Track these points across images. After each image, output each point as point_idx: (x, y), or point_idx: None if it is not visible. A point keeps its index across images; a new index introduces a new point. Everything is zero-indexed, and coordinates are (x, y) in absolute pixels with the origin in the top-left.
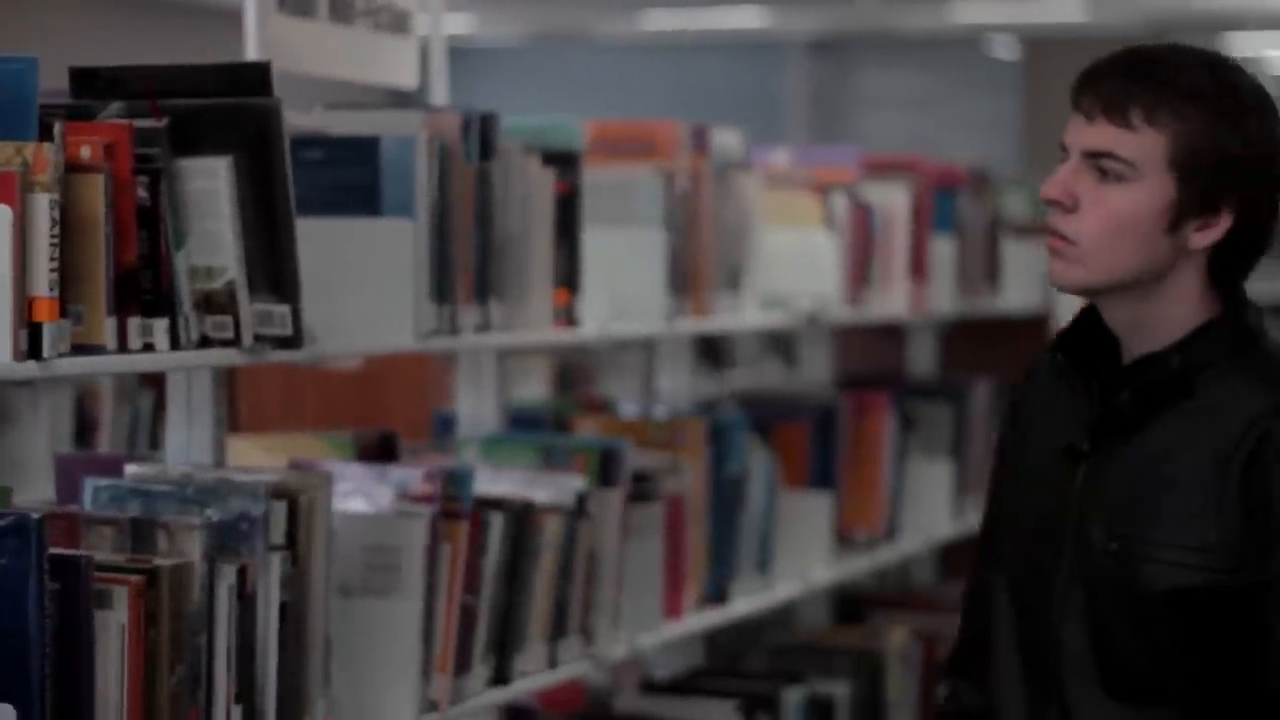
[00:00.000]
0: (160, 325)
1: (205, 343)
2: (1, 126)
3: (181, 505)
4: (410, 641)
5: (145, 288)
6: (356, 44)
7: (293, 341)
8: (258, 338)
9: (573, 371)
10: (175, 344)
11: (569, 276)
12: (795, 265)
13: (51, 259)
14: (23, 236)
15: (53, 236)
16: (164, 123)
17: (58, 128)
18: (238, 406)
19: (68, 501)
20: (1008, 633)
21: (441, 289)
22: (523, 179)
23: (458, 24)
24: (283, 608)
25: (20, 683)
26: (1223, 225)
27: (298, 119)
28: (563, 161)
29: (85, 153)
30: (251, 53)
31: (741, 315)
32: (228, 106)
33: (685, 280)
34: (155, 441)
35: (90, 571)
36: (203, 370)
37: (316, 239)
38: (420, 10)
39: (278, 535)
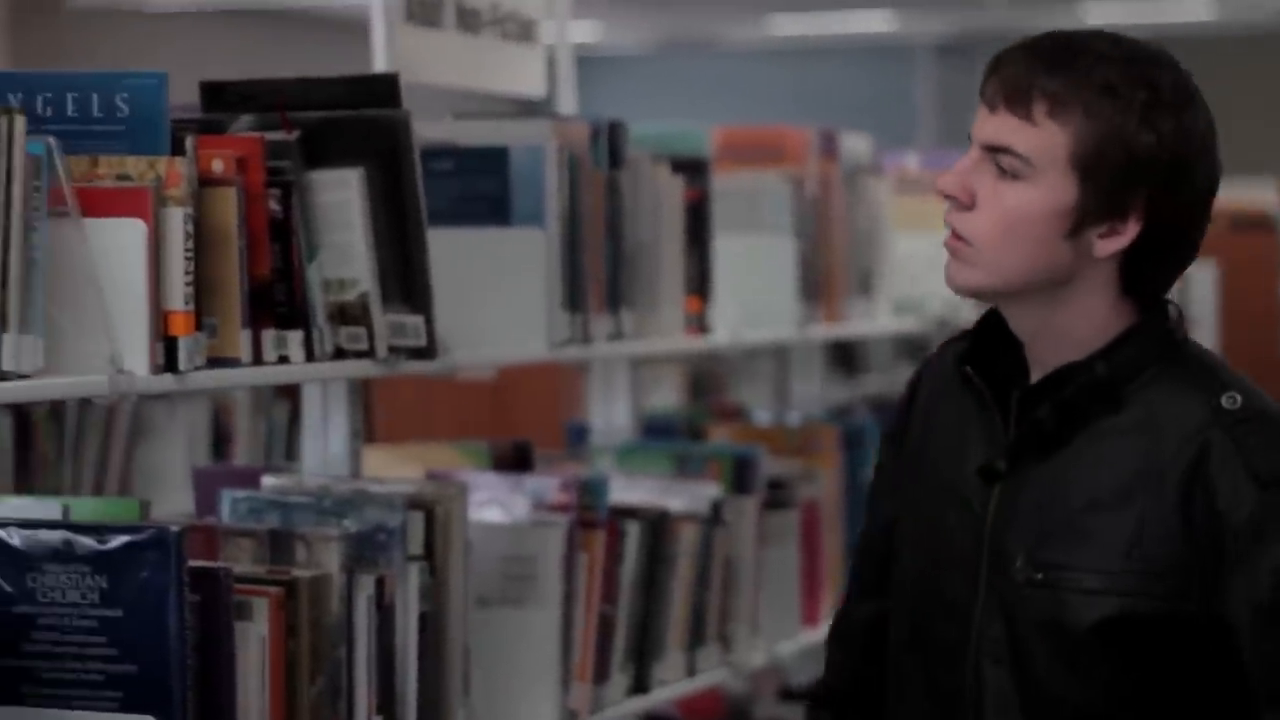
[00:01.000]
0: (295, 337)
1: (340, 354)
2: (134, 141)
3: (319, 517)
4: (548, 651)
5: (279, 300)
6: (484, 53)
7: (426, 352)
8: (392, 349)
9: (704, 379)
10: (310, 356)
11: (700, 284)
12: (927, 269)
13: (186, 273)
14: (157, 250)
15: (187, 250)
16: (295, 135)
17: (190, 142)
18: (372, 417)
19: (206, 514)
20: (910, 672)
21: (573, 298)
22: (652, 187)
23: (583, 32)
24: (421, 618)
25: (162, 695)
26: (1130, 233)
27: (426, 129)
28: (691, 169)
29: (217, 166)
30: (379, 64)
31: (873, 320)
32: (358, 118)
33: (817, 286)
34: (291, 453)
35: (230, 583)
36: (338, 382)
37: (447, 249)
38: (547, 19)
39: (415, 546)
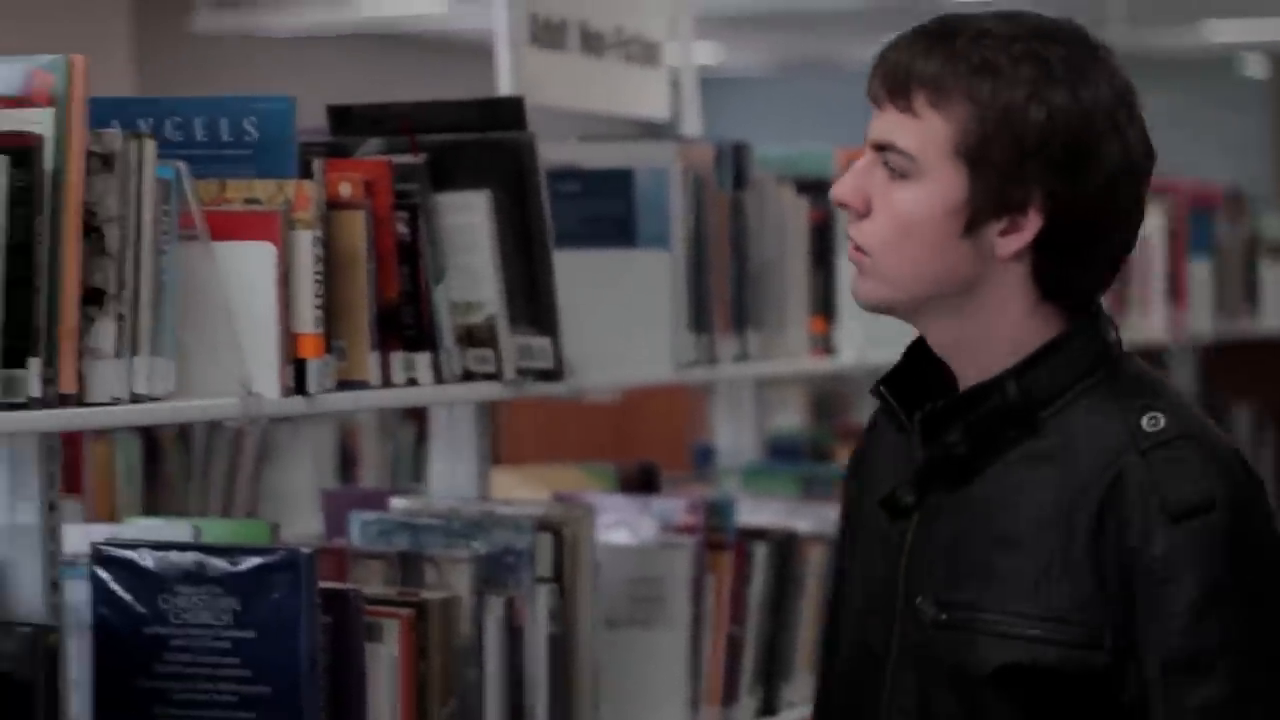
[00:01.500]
0: (423, 360)
1: (467, 376)
2: (262, 165)
3: (448, 539)
4: (677, 672)
5: (407, 323)
6: (607, 76)
7: (554, 374)
8: (519, 371)
9: (829, 399)
10: (438, 378)
11: (825, 304)
12: None
13: (316, 295)
14: (287, 274)
15: (317, 273)
16: (422, 158)
17: (318, 165)
18: (497, 439)
19: (335, 536)
20: None
21: (699, 319)
22: (777, 208)
23: (705, 54)
24: (551, 640)
25: (294, 716)
26: (1031, 228)
27: (550, 152)
28: (816, 189)
29: (345, 190)
30: (504, 86)
31: None
32: (484, 141)
33: None
34: (416, 475)
35: (361, 605)
36: (465, 404)
37: (572, 272)
38: (670, 41)
39: (544, 568)
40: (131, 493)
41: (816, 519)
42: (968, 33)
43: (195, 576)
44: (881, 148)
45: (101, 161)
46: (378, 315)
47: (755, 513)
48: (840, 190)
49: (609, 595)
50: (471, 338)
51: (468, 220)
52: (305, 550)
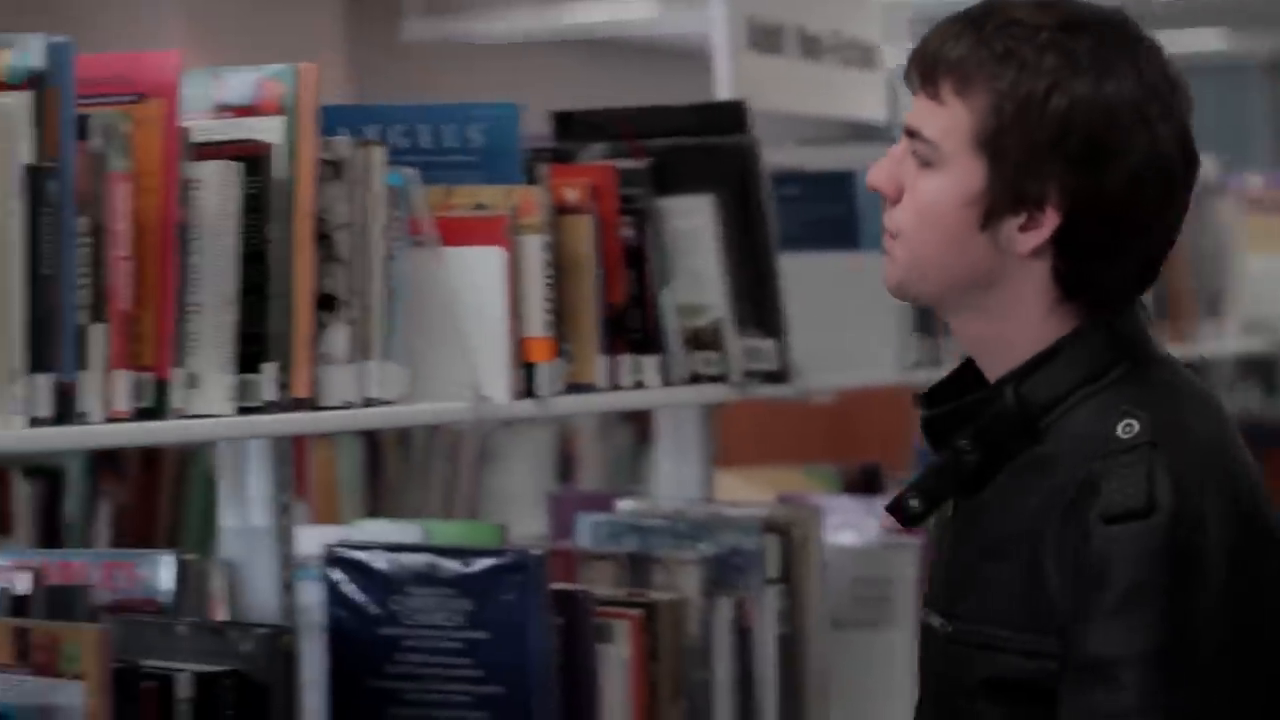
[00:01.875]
0: (650, 363)
1: (694, 379)
2: (488, 171)
3: (676, 540)
4: (903, 673)
5: (633, 326)
6: (825, 80)
7: (780, 376)
8: (745, 373)
9: None
10: (666, 381)
11: None
12: (1278, 289)
13: (545, 299)
14: (516, 278)
15: (546, 278)
16: (646, 163)
17: (543, 170)
18: (718, 441)
19: (560, 538)
20: None
21: (923, 321)
22: None
23: None
24: (780, 640)
25: (526, 717)
26: (1049, 224)
27: (771, 155)
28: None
29: (571, 195)
30: (723, 91)
31: (1223, 341)
32: (707, 145)
33: (1165, 306)
34: (634, 476)
35: (591, 606)
36: (690, 406)
37: (795, 274)
38: (886, 44)
39: (773, 569)
40: (353, 495)
41: None
42: (997, 20)
43: (427, 578)
44: (911, 135)
45: (331, 169)
46: (605, 319)
47: None
48: (873, 175)
49: (835, 596)
50: (697, 340)
51: (692, 224)
52: (536, 552)
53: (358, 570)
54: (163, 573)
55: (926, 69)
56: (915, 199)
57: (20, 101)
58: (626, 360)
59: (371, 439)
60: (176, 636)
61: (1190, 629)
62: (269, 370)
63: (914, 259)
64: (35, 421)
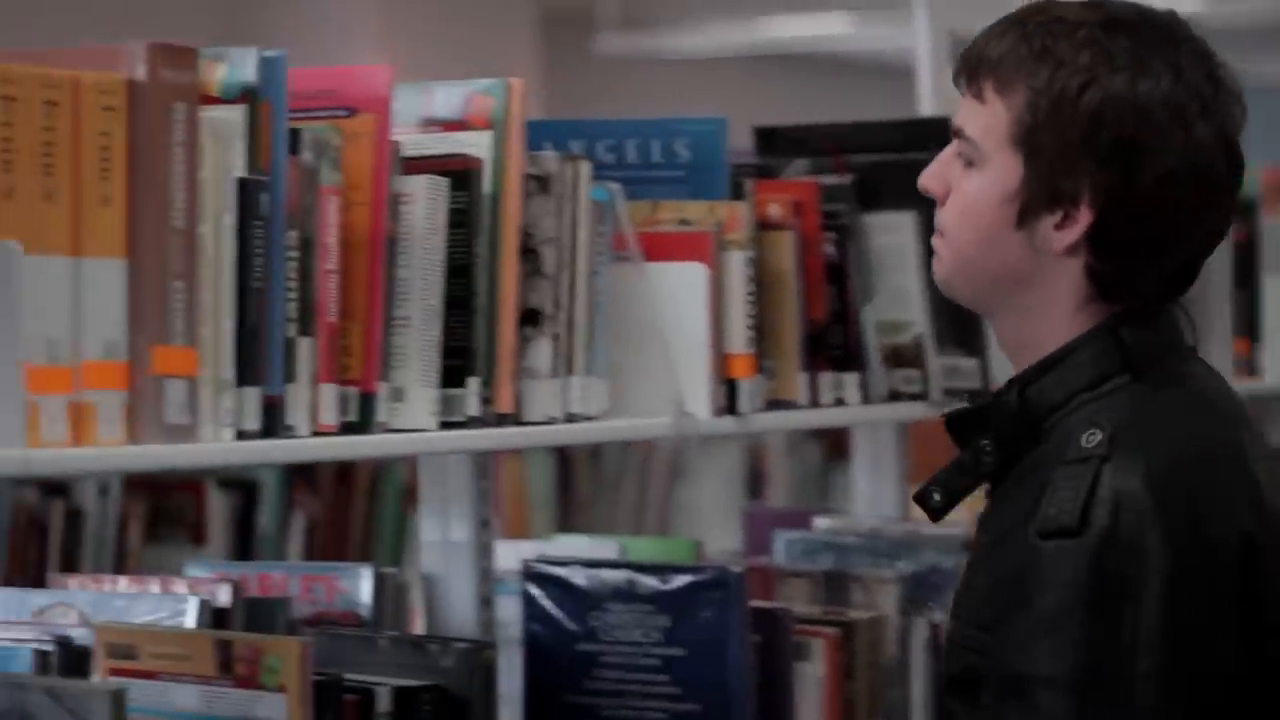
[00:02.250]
0: (851, 380)
1: (894, 397)
2: (694, 186)
3: (873, 559)
4: None
5: (834, 343)
6: None
7: (981, 395)
8: (946, 391)
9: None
10: (865, 398)
11: (1249, 325)
12: None
13: (748, 316)
14: (719, 294)
15: (749, 294)
16: (849, 179)
17: (748, 186)
18: (913, 458)
19: (754, 554)
20: None
21: None
22: None
23: None
24: None
25: None
26: (1083, 221)
27: None
28: (1242, 210)
29: (775, 211)
30: (926, 107)
31: None
32: (911, 161)
33: None
34: (823, 493)
35: (790, 624)
36: (887, 424)
37: None
38: None
39: None
40: (545, 510)
41: None
42: (1040, 18)
43: (626, 594)
44: (957, 135)
45: (538, 183)
46: (806, 335)
47: None
48: (923, 177)
49: None
50: (898, 358)
51: (895, 241)
52: (736, 569)
53: (556, 586)
54: (363, 586)
55: (971, 69)
56: (958, 198)
57: (234, 115)
58: (827, 377)
59: (563, 453)
60: (376, 650)
61: (1112, 658)
62: (473, 385)
63: (956, 257)
64: (242, 435)
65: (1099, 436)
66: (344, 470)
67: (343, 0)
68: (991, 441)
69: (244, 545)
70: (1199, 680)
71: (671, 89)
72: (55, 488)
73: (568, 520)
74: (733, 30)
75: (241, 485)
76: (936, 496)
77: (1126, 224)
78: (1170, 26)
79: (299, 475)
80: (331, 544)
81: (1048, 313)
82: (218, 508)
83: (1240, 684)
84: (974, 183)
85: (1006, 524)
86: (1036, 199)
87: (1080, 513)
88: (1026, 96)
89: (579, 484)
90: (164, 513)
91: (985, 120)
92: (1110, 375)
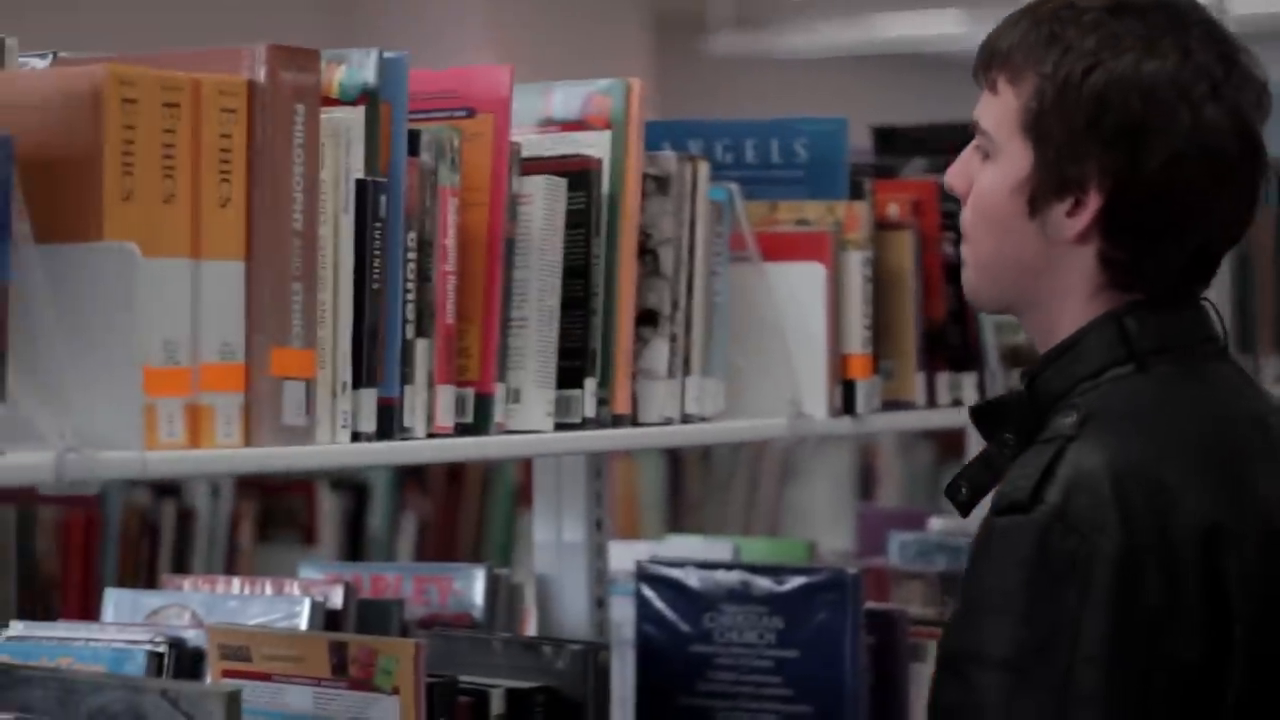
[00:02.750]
0: (969, 380)
1: None
2: (813, 186)
3: None
4: None
5: (953, 343)
6: None
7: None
8: None
9: None
10: (983, 398)
11: None
12: None
13: (865, 316)
14: (837, 294)
15: (867, 294)
16: None
17: (867, 186)
18: None
19: (868, 554)
20: None
21: (1244, 338)
22: None
23: None
24: None
25: None
26: (1092, 206)
27: None
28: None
29: (893, 210)
30: None
31: None
32: None
33: None
34: (935, 494)
35: (906, 626)
36: None
37: None
38: None
39: None
40: (656, 510)
41: None
42: (1051, 6)
43: (740, 595)
44: (975, 129)
45: (656, 184)
46: (924, 335)
47: None
48: (948, 175)
49: None
50: (1015, 358)
51: None
52: (851, 571)
53: (670, 587)
54: (476, 587)
55: (985, 62)
56: (975, 194)
57: (353, 116)
58: (944, 377)
59: (674, 454)
60: (489, 651)
61: (1056, 636)
62: (589, 386)
63: (978, 259)
64: (357, 436)
65: (1072, 417)
66: (455, 471)
67: (453, 3)
68: (1013, 434)
69: (355, 546)
70: (1144, 670)
71: (783, 89)
72: (167, 489)
73: (677, 521)
74: (844, 29)
75: (353, 486)
76: (964, 490)
77: (1136, 208)
78: (1183, 9)
79: (410, 476)
80: (442, 545)
81: (1063, 303)
82: (329, 508)
83: (1197, 672)
84: (988, 175)
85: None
86: (1046, 186)
87: (1033, 489)
88: (1035, 83)
89: (689, 484)
90: (275, 513)
91: (998, 111)
92: (1112, 364)
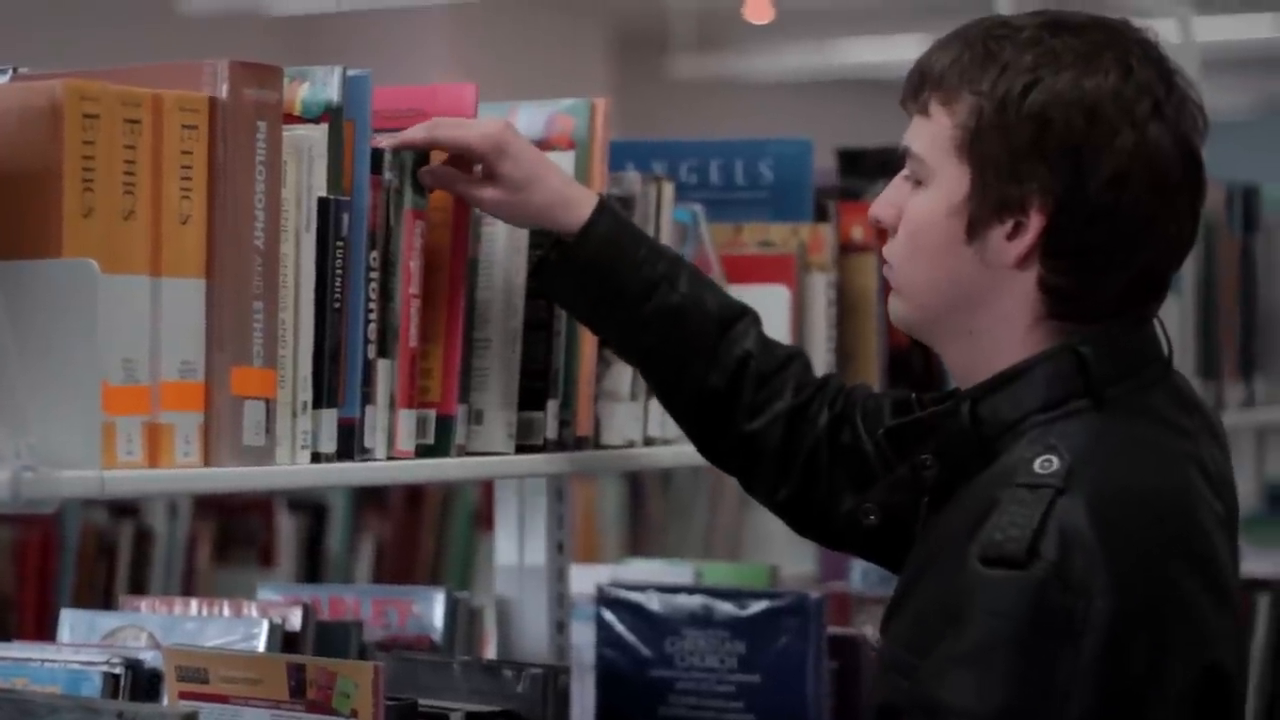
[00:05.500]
0: None
1: None
2: (778, 208)
3: None
4: None
5: (916, 367)
6: None
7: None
8: None
9: None
10: None
11: None
12: None
13: (829, 339)
14: (800, 317)
15: (830, 317)
16: None
17: (832, 208)
18: None
19: (830, 578)
20: None
21: (1208, 364)
22: None
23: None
24: None
25: None
26: (1033, 229)
27: None
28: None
29: (857, 233)
30: None
31: None
32: None
33: None
34: None
35: (868, 651)
36: None
37: None
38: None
39: None
40: (615, 533)
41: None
42: (984, 24)
43: (701, 620)
44: (905, 155)
45: (621, 204)
46: (888, 359)
47: (1255, 563)
48: (873, 206)
49: None
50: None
51: None
52: (814, 595)
53: (631, 611)
54: (436, 609)
55: (914, 86)
56: (906, 220)
57: (316, 134)
58: None
59: (634, 476)
60: (449, 674)
61: (1045, 697)
62: (551, 408)
63: (908, 285)
64: (318, 456)
65: (1055, 465)
66: (415, 493)
67: (415, 23)
68: (933, 456)
69: (312, 568)
70: None
71: (744, 112)
72: (125, 509)
73: (637, 544)
74: (806, 54)
75: (311, 507)
76: (872, 516)
77: (1079, 230)
78: (1120, 27)
79: (369, 497)
80: (400, 567)
81: (1000, 333)
82: (287, 530)
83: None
84: (919, 200)
85: (945, 541)
86: (985, 208)
87: (1029, 543)
88: (970, 103)
89: (650, 508)
90: (233, 535)
91: (931, 133)
92: (1067, 398)
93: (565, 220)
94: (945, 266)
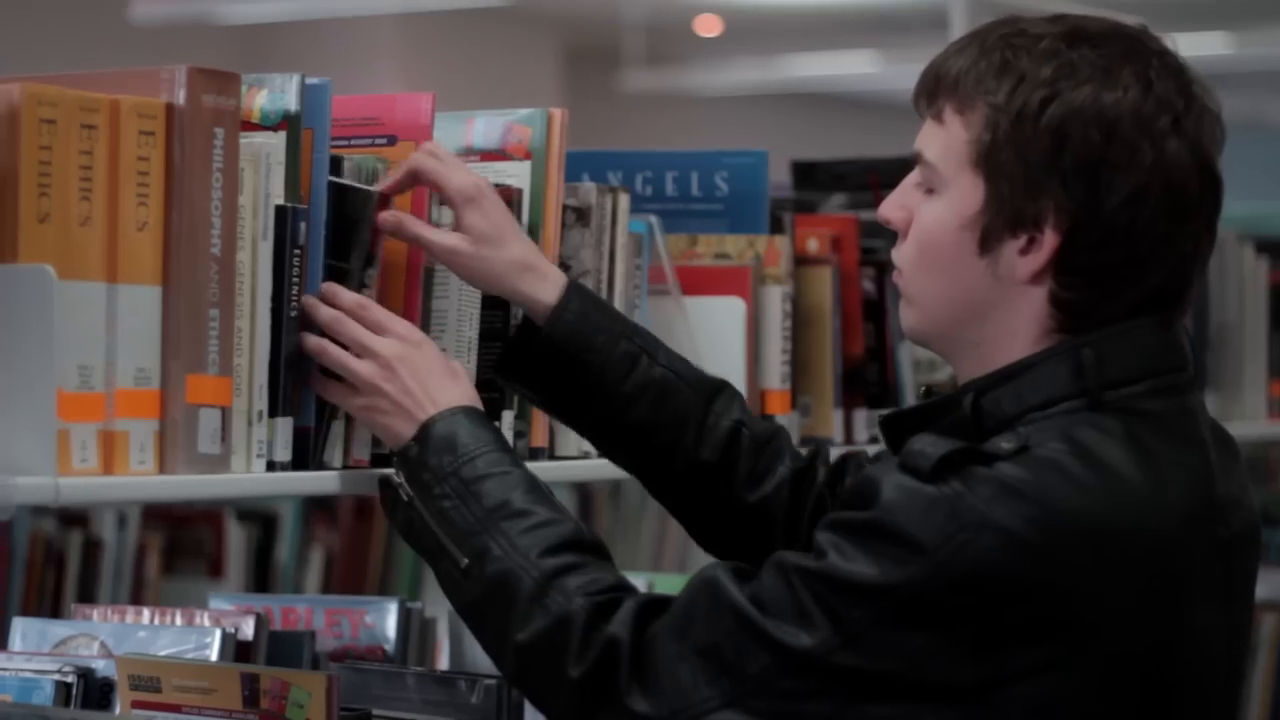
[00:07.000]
0: None
1: None
2: (733, 220)
3: None
4: None
5: (871, 380)
6: None
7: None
8: None
9: None
10: None
11: None
12: None
13: (783, 351)
14: (756, 329)
15: (785, 329)
16: None
17: (788, 220)
18: None
19: None
20: None
21: None
22: (1236, 269)
23: None
24: None
25: None
26: (1048, 246)
27: None
28: (1276, 250)
29: (813, 245)
30: None
31: None
32: None
33: None
34: None
35: None
36: None
37: None
38: None
39: None
40: None
41: (1269, 586)
42: (1001, 32)
43: None
44: (917, 160)
45: (576, 215)
46: (843, 372)
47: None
48: (883, 207)
49: None
50: (930, 395)
51: None
52: None
53: None
54: (388, 620)
55: (929, 89)
56: (917, 229)
57: (274, 141)
58: (862, 414)
59: (584, 488)
60: (403, 685)
61: (848, 590)
62: (507, 418)
63: (919, 295)
64: (273, 465)
65: (1009, 445)
66: (364, 503)
67: (364, 34)
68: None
69: (261, 578)
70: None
71: (695, 126)
72: (74, 518)
73: None
74: (757, 68)
75: (260, 518)
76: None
77: (1094, 248)
78: (1140, 38)
79: (319, 508)
80: (349, 578)
81: (1009, 344)
82: (236, 540)
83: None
84: (932, 210)
85: None
86: (999, 223)
87: (939, 458)
88: (986, 114)
89: (600, 519)
90: (181, 545)
91: (945, 142)
92: (1063, 399)
93: (529, 289)
94: (956, 279)
